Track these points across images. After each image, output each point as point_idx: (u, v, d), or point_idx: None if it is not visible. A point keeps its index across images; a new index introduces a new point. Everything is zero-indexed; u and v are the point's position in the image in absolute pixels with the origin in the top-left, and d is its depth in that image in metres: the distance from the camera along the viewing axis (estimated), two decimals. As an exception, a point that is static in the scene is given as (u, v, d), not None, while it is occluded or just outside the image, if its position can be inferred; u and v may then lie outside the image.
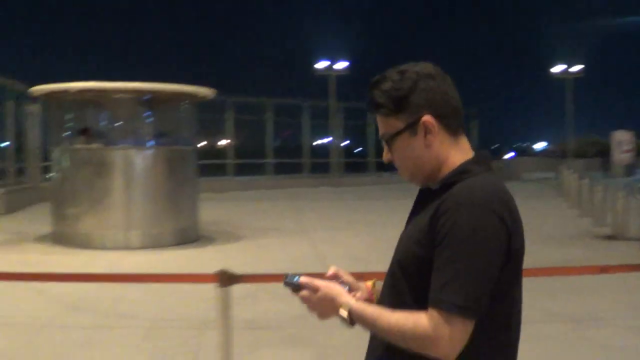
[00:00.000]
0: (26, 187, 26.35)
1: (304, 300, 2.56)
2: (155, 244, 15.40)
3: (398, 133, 2.51)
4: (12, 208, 23.23)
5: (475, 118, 47.00)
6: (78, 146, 16.07)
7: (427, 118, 2.44)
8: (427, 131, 2.46)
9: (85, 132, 16.24)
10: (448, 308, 2.24)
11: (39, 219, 20.24)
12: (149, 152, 16.08)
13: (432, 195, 2.46)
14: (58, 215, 16.14)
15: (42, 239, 16.55)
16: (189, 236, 16.21)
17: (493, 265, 2.29)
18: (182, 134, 17.37)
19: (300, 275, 2.61)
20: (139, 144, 16.11)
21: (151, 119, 16.90)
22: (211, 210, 18.93)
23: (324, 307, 2.52)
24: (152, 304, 10.05)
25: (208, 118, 31.15)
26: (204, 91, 16.73)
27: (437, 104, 2.45)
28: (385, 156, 2.64)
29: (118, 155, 15.68)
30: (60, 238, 15.83)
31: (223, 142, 36.36)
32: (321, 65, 40.71)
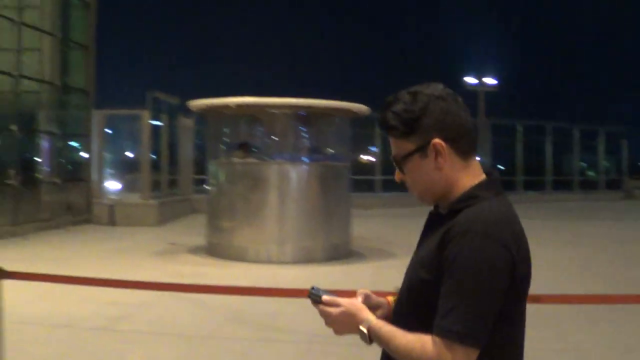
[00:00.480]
0: (178, 199, 26.98)
1: (323, 314, 2.64)
2: (307, 258, 15.46)
3: (409, 155, 2.54)
4: (164, 219, 23.84)
5: (624, 137, 45.76)
6: (235, 160, 16.31)
7: (437, 141, 2.47)
8: (437, 154, 2.49)
9: (242, 147, 16.47)
10: (450, 336, 2.29)
11: (191, 230, 20.67)
12: (303, 167, 16.18)
13: (441, 220, 2.51)
14: (213, 227, 16.42)
15: (196, 250, 16.86)
16: (341, 252, 16.19)
17: (496, 293, 2.32)
18: (335, 149, 17.42)
19: (327, 291, 2.70)
20: (294, 159, 16.23)
21: (306, 134, 17.02)
22: (360, 226, 18.86)
23: (344, 322, 2.59)
24: (309, 319, 10.03)
25: (356, 133, 31.10)
26: (359, 108, 16.71)
27: (447, 127, 2.47)
28: (397, 177, 2.66)
29: (273, 170, 15.86)
30: (215, 250, 16.11)
31: (369, 158, 36.31)
32: (471, 80, 40.24)
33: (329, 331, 8.27)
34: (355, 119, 18.24)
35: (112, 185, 26.60)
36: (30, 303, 10.40)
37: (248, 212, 15.69)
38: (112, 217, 23.62)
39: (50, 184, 23.50)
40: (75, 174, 25.43)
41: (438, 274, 2.38)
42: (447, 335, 2.29)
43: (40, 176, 24.37)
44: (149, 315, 10.21)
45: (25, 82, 22.46)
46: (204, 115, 18.99)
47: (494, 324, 2.34)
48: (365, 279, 13.34)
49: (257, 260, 15.21)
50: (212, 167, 16.86)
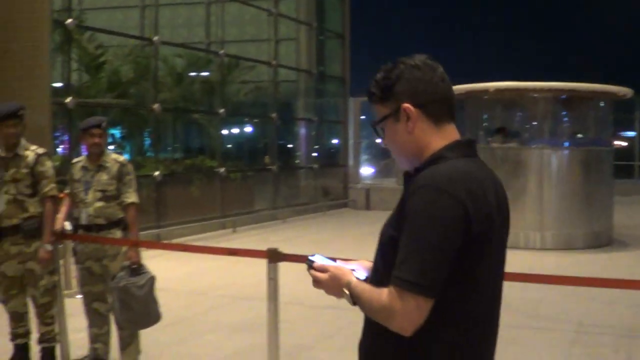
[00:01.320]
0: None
1: (314, 278, 2.75)
2: (567, 245, 15.12)
3: (383, 119, 2.69)
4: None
5: None
6: (494, 145, 16.16)
7: (406, 105, 2.60)
8: (407, 118, 2.61)
9: (501, 131, 16.31)
10: (400, 284, 2.39)
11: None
12: (564, 152, 15.81)
13: (410, 180, 2.59)
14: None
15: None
16: (602, 240, 15.68)
17: (447, 246, 2.39)
18: (598, 134, 16.89)
19: (328, 259, 2.80)
20: (555, 143, 15.89)
21: (567, 119, 16.63)
22: (621, 213, 18.14)
23: (332, 286, 2.69)
24: (576, 307, 9.83)
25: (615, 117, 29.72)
26: (624, 90, 16.09)
27: (419, 93, 2.60)
28: (381, 141, 2.82)
29: (533, 155, 15.57)
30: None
31: (620, 143, 34.65)
32: None
33: (595, 320, 8.13)
34: (617, 101, 17.62)
35: (367, 170, 27.01)
36: (296, 284, 10.72)
37: (508, 197, 15.44)
38: (368, 201, 24.04)
39: (307, 169, 24.21)
40: (331, 160, 26.06)
41: (400, 229, 2.47)
42: (399, 284, 2.39)
43: (298, 162, 25.16)
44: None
45: (283, 71, 23.23)
46: (461, 100, 18.90)
47: (454, 283, 2.43)
48: (627, 268, 12.88)
49: (515, 246, 14.97)
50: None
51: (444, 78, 2.65)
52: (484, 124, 17.46)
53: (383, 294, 2.44)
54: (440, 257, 2.38)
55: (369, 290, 2.54)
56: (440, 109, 2.64)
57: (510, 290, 10.10)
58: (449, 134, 2.64)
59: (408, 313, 2.39)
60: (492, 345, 2.72)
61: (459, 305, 2.50)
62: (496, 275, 2.66)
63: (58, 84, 14.55)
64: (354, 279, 2.63)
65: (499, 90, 16.19)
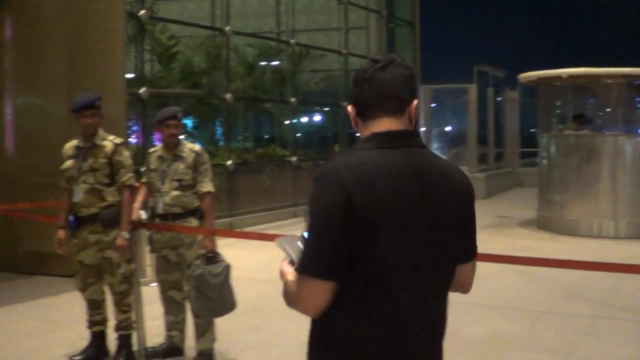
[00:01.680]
0: (504, 172, 26.85)
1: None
2: (640, 234, 14.90)
3: None
4: (491, 192, 23.78)
5: None
6: (567, 132, 15.99)
7: (347, 105, 2.91)
8: None
9: (577, 118, 16.14)
10: (300, 269, 2.59)
11: (518, 203, 20.52)
12: (639, 140, 15.55)
13: None
14: (544, 200, 16.21)
15: (526, 223, 16.72)
16: (675, 228, 15.41)
17: (331, 230, 2.53)
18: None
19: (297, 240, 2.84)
20: (629, 130, 15.66)
21: (642, 105, 16.42)
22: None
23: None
24: (651, 297, 9.72)
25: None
26: (703, 75, 15.82)
27: (352, 94, 2.85)
28: None
29: (607, 142, 15.32)
30: (545, 223, 15.89)
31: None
32: None
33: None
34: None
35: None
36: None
37: (581, 185, 15.32)
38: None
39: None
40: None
41: None
42: (299, 269, 2.60)
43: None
44: (485, 288, 10.16)
45: (353, 59, 23.17)
46: (533, 87, 18.70)
47: (351, 267, 2.54)
48: None
49: (589, 235, 14.85)
50: (543, 139, 16.58)
51: (372, 77, 2.79)
52: (558, 111, 17.28)
53: (293, 281, 2.65)
54: (327, 241, 2.54)
55: (288, 283, 2.71)
56: (366, 106, 2.81)
57: (584, 280, 10.05)
58: (373, 128, 2.78)
59: (307, 296, 2.60)
60: (412, 331, 2.70)
61: (357, 289, 2.60)
62: (411, 262, 2.64)
63: (131, 75, 14.73)
64: (290, 277, 2.72)
65: (572, 77, 16.00)
